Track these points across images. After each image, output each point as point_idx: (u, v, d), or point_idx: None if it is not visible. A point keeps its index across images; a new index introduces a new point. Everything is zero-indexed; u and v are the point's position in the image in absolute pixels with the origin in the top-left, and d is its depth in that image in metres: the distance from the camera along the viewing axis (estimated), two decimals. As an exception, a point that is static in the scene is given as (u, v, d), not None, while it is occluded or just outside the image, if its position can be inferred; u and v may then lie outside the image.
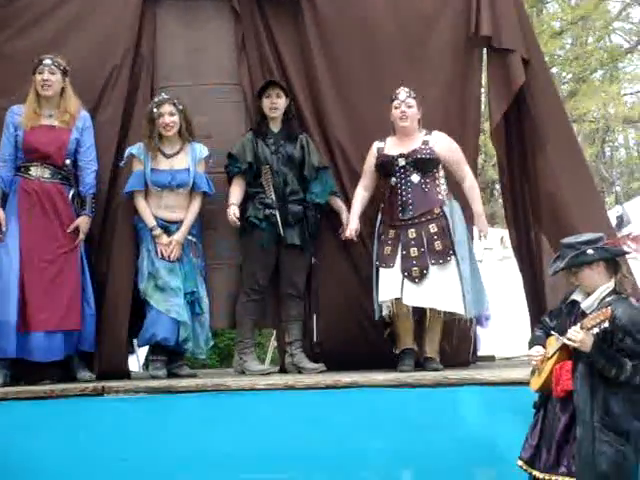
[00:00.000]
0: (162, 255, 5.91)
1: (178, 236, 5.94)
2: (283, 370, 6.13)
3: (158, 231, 5.93)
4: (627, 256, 4.66)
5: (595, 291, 4.20)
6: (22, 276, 5.70)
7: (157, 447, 5.24)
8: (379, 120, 6.09)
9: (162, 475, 5.23)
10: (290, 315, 6.08)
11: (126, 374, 6.06)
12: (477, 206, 5.98)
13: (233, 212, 5.96)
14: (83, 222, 5.88)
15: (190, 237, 6.01)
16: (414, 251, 5.78)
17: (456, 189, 6.05)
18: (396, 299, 5.77)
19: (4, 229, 5.76)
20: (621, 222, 10.94)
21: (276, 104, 6.04)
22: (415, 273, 5.74)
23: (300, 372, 5.91)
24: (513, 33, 6.17)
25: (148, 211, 5.96)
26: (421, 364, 5.90)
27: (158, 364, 5.97)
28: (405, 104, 5.91)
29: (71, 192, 5.89)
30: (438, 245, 5.80)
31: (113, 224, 6.07)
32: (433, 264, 5.76)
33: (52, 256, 5.77)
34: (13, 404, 5.34)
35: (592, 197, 6.43)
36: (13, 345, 5.64)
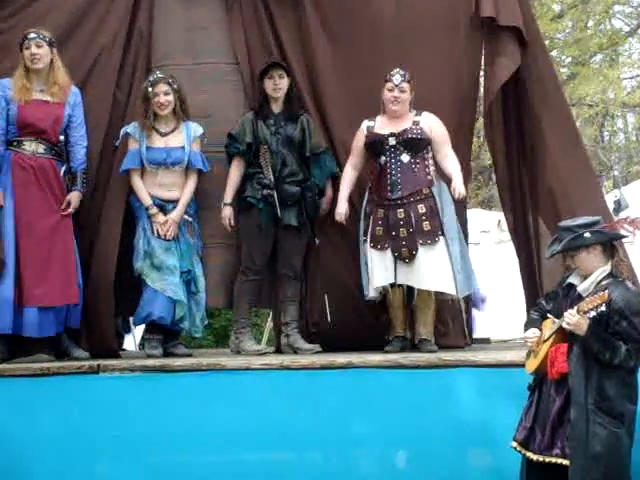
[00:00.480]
0: (158, 234, 5.90)
1: (174, 214, 5.94)
2: (279, 350, 6.14)
3: (154, 210, 5.92)
4: (623, 240, 4.66)
5: (591, 274, 4.21)
6: (18, 252, 5.69)
7: (152, 426, 5.25)
8: (378, 101, 6.05)
9: (157, 453, 5.24)
10: (287, 296, 6.08)
11: (114, 352, 6.01)
12: (455, 170, 5.84)
13: (227, 216, 6.01)
14: (74, 197, 5.87)
15: (186, 216, 6.00)
16: (403, 231, 5.78)
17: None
18: (391, 285, 5.78)
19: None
20: (619, 206, 10.94)
21: (279, 85, 6.02)
22: (405, 254, 5.75)
23: (296, 352, 5.92)
24: (512, 13, 6.14)
25: (144, 190, 5.95)
26: (416, 346, 5.91)
27: (154, 343, 5.97)
28: (399, 89, 5.88)
29: (63, 168, 5.88)
30: (426, 225, 5.80)
31: (101, 201, 6.06)
32: (422, 244, 5.76)
33: (47, 231, 5.76)
34: (9, 381, 5.35)
35: (590, 181, 6.42)
36: (9, 321, 5.64)
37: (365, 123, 5.99)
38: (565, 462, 4.12)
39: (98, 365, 5.47)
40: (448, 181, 5.87)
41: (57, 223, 5.80)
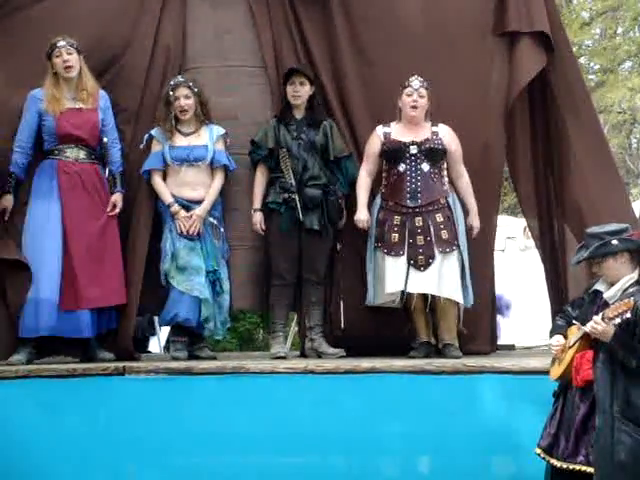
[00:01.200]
0: (181, 230, 5.91)
1: (199, 210, 5.95)
2: (303, 355, 6.14)
3: (175, 207, 5.94)
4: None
5: (618, 282, 4.19)
6: (66, 256, 5.75)
7: (176, 428, 5.27)
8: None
9: (180, 455, 5.26)
10: (311, 301, 6.08)
11: (131, 355, 6.00)
12: (472, 201, 5.96)
13: (258, 222, 6.03)
14: (119, 199, 5.96)
15: (211, 219, 6.00)
16: (420, 239, 5.78)
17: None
18: (407, 293, 5.79)
19: (7, 216, 5.83)
20: (646, 214, 10.87)
21: (298, 92, 6.03)
22: (421, 261, 5.76)
23: (320, 357, 5.92)
24: (539, 19, 6.13)
25: (165, 188, 5.98)
26: (440, 351, 5.91)
27: (179, 345, 5.99)
28: (418, 93, 5.88)
29: (106, 171, 5.98)
30: (444, 234, 5.80)
31: (131, 204, 6.09)
32: (440, 252, 5.77)
33: (97, 234, 5.84)
34: (36, 382, 5.38)
35: (617, 188, 6.40)
36: (51, 323, 5.70)
37: (380, 129, 5.98)
38: (589, 470, 4.09)
39: (124, 367, 5.49)
40: (462, 206, 5.94)
41: (105, 225, 5.88)
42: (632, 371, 4.02)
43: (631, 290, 4.14)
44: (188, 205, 5.97)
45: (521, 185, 6.57)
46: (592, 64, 18.22)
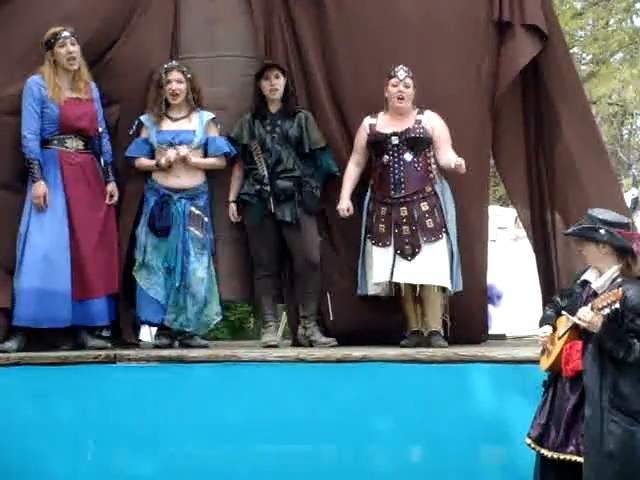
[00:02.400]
0: (158, 164, 5.91)
1: (185, 152, 5.92)
2: (296, 344, 6.15)
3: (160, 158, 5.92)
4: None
5: (606, 272, 4.20)
6: (73, 247, 5.77)
7: (167, 416, 5.29)
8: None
9: (172, 444, 5.28)
10: (303, 290, 6.08)
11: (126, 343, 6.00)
12: (452, 154, 5.82)
13: (232, 213, 6.09)
14: (114, 188, 5.98)
15: (194, 209, 5.97)
16: (406, 229, 5.81)
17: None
18: (396, 283, 5.82)
19: (48, 202, 5.79)
20: (636, 204, 10.93)
21: (275, 85, 6.03)
22: (407, 251, 5.78)
23: (312, 345, 5.93)
24: (533, 10, 6.13)
25: (148, 160, 5.98)
26: (426, 339, 5.92)
27: (162, 338, 6.04)
28: (403, 84, 5.89)
29: (102, 160, 6.00)
30: (429, 223, 5.82)
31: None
32: (425, 242, 5.79)
33: (101, 224, 5.87)
34: (27, 369, 5.39)
35: (608, 178, 6.41)
36: (68, 314, 5.71)
37: (367, 120, 6.00)
38: (579, 459, 4.10)
39: (115, 355, 5.51)
40: (446, 178, 5.92)
41: (106, 214, 5.92)
42: (621, 361, 4.04)
43: (619, 280, 4.15)
44: (170, 194, 5.95)
45: (511, 175, 6.55)
46: (584, 54, 18.22)
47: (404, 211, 5.84)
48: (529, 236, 6.61)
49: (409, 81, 5.89)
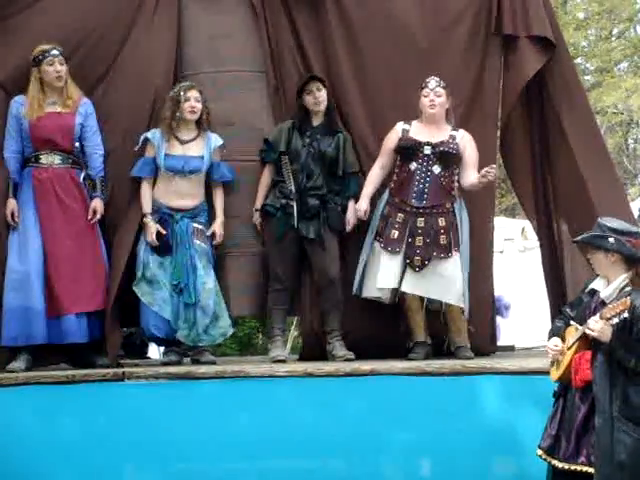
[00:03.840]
0: (152, 248, 5.93)
1: (219, 229, 6.03)
2: (303, 358, 6.14)
3: (148, 219, 5.94)
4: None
5: (615, 280, 4.19)
6: (46, 263, 5.76)
7: (176, 433, 5.27)
8: (398, 107, 6.11)
9: (181, 460, 5.27)
10: (323, 307, 6.06)
11: (117, 363, 5.96)
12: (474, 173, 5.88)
13: (256, 221, 6.10)
14: (98, 204, 5.93)
15: (196, 224, 5.98)
16: (419, 240, 5.79)
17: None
18: (398, 290, 5.80)
19: (17, 220, 5.82)
20: (644, 214, 10.89)
21: (319, 98, 6.04)
22: (417, 262, 5.76)
23: (334, 359, 5.88)
24: (538, 21, 6.13)
25: (149, 198, 5.98)
26: (452, 353, 5.92)
27: (170, 354, 6.03)
28: (434, 93, 5.90)
29: (82, 175, 5.94)
30: (443, 239, 5.81)
31: (117, 211, 6.09)
32: (435, 256, 5.77)
33: (74, 239, 5.84)
34: (35, 389, 5.38)
35: (614, 187, 6.40)
36: (43, 331, 5.70)
37: (400, 125, 5.99)
38: (590, 470, 4.08)
39: (123, 372, 5.51)
40: (464, 198, 5.94)
41: (83, 230, 5.87)
42: (630, 371, 4.02)
43: (628, 289, 4.14)
44: (171, 214, 5.97)
45: (520, 185, 6.57)
46: (588, 64, 18.24)
47: (421, 222, 5.82)
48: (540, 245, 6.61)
49: (440, 90, 5.89)
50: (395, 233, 5.83)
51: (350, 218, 6.05)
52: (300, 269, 6.11)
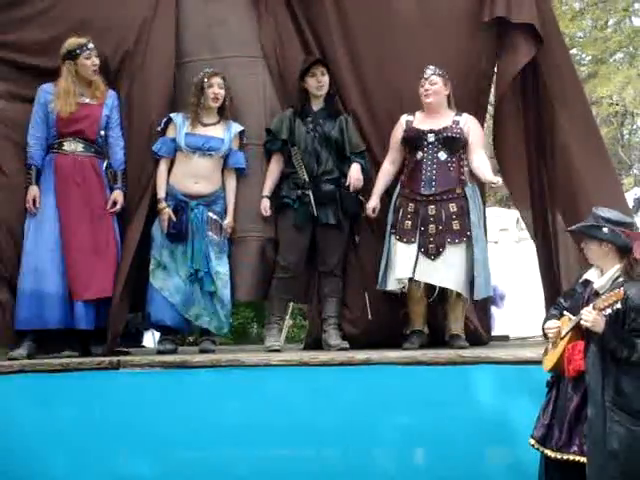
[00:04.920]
0: (162, 229, 5.95)
1: (228, 222, 6.04)
2: (307, 347, 6.15)
3: (163, 204, 5.97)
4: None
5: (608, 271, 4.20)
6: (62, 248, 5.83)
7: (171, 421, 5.29)
8: (394, 95, 6.13)
9: (176, 449, 5.28)
10: (324, 293, 6.07)
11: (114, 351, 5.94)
12: (485, 164, 5.88)
13: (265, 208, 6.07)
14: (119, 196, 5.99)
15: (212, 214, 6.00)
16: (432, 228, 5.79)
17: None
18: (409, 279, 5.79)
19: (38, 205, 5.88)
20: (638, 205, 10.90)
21: (321, 82, 6.04)
22: (431, 250, 5.76)
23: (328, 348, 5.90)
24: (527, 9, 6.13)
25: (164, 181, 6.01)
26: (447, 342, 5.92)
27: (165, 342, 6.04)
28: (429, 82, 5.91)
29: (104, 164, 6.00)
30: (456, 225, 5.81)
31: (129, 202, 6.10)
32: (449, 243, 5.77)
33: (89, 227, 5.89)
34: (30, 377, 5.40)
35: (609, 178, 6.40)
36: (57, 315, 5.75)
37: (404, 117, 6.01)
38: (583, 459, 4.10)
39: (118, 361, 5.51)
40: (477, 181, 5.92)
41: (101, 219, 5.93)
42: (623, 361, 4.04)
43: (621, 280, 4.15)
44: (186, 201, 5.98)
45: (512, 176, 6.55)
46: (583, 55, 18.22)
47: (432, 210, 5.82)
48: (532, 237, 6.61)
49: (435, 78, 5.90)
50: (408, 223, 5.82)
51: (354, 181, 6.00)
52: (310, 260, 6.11)
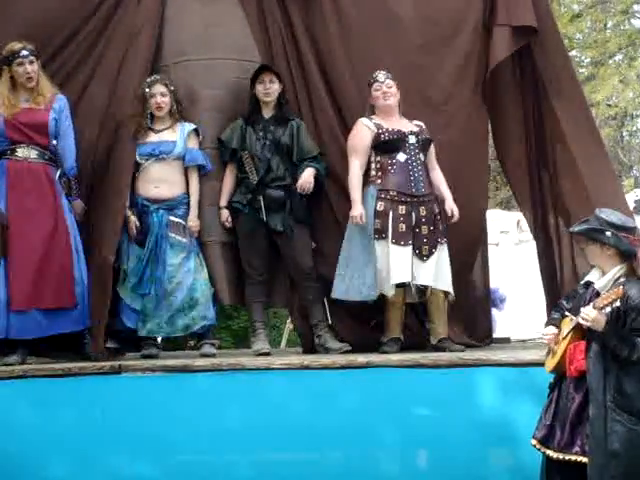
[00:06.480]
0: (129, 236, 5.96)
1: (192, 222, 6.02)
2: (306, 351, 6.14)
3: (127, 212, 5.96)
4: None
5: (609, 272, 4.21)
6: (11, 256, 5.70)
7: (173, 425, 5.27)
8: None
9: (178, 453, 5.27)
10: (305, 298, 6.09)
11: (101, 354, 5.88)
12: (447, 190, 5.97)
13: (224, 219, 6.08)
14: (77, 207, 5.95)
15: (173, 217, 6.00)
16: (424, 229, 5.80)
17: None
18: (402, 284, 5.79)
19: None
20: (639, 206, 10.92)
21: (269, 89, 6.04)
22: (425, 251, 5.77)
23: (327, 352, 5.88)
24: (525, 11, 6.15)
25: (127, 188, 5.99)
26: (435, 346, 5.91)
27: (149, 346, 6.05)
28: (385, 85, 5.91)
29: (57, 172, 5.90)
30: (440, 225, 5.86)
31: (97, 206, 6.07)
32: (439, 243, 5.79)
33: (42, 235, 5.76)
34: (31, 382, 5.38)
35: (609, 180, 6.42)
36: (3, 323, 5.65)
37: (366, 121, 5.94)
38: (585, 460, 4.10)
39: (120, 365, 5.50)
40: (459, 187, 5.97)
41: (53, 227, 5.79)
42: (624, 360, 4.04)
43: (622, 280, 4.15)
44: (147, 205, 5.98)
45: (515, 177, 6.58)
46: (583, 57, 18.24)
47: (423, 210, 5.83)
48: (534, 237, 6.62)
49: (390, 82, 5.92)
50: (402, 226, 5.78)
51: (303, 182, 5.99)
52: (274, 261, 6.11)
